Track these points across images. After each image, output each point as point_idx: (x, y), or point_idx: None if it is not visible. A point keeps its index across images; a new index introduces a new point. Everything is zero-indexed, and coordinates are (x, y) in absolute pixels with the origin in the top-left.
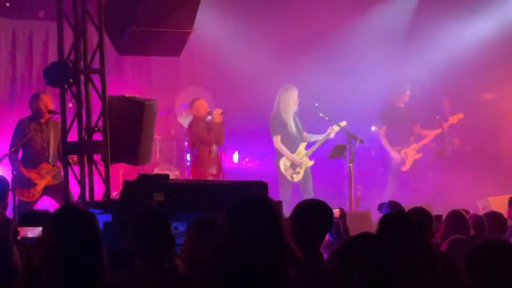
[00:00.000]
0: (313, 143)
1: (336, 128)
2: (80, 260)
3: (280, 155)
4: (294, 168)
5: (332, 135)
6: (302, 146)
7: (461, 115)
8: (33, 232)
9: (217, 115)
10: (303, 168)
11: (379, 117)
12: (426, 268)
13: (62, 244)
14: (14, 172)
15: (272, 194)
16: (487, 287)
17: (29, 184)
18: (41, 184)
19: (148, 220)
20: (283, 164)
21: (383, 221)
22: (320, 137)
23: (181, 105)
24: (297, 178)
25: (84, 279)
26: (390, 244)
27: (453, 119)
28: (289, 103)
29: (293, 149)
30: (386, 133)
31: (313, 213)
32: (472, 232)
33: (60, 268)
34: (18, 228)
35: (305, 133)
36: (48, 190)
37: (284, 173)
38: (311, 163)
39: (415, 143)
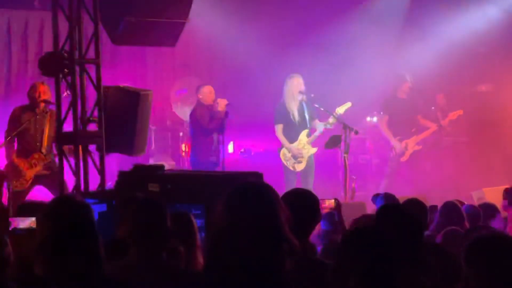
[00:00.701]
0: (314, 130)
1: (333, 119)
2: (75, 250)
3: (283, 145)
4: (295, 158)
5: (329, 126)
6: (304, 134)
7: (460, 112)
8: (24, 222)
9: (221, 105)
10: (305, 157)
11: (379, 107)
12: (421, 260)
13: (57, 234)
14: (8, 159)
15: (274, 185)
16: (488, 279)
17: (18, 171)
18: (29, 173)
19: (144, 211)
20: (284, 154)
21: (380, 213)
22: (319, 125)
23: (177, 94)
24: (299, 167)
25: (80, 270)
26: (389, 236)
27: (452, 116)
28: (293, 91)
29: (295, 139)
30: (388, 123)
31: (296, 203)
32: (466, 223)
33: (55, 258)
34: (10, 219)
35: (316, 121)
36: (40, 180)
37: (286, 163)
38: (314, 150)
39: (416, 135)
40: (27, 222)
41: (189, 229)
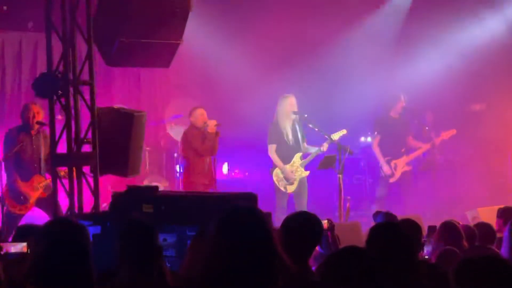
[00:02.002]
0: (308, 154)
1: (327, 144)
2: (68, 273)
3: (275, 165)
4: (287, 179)
5: (324, 149)
6: (298, 156)
7: (453, 131)
8: (16, 247)
9: (211, 126)
10: (297, 179)
11: (372, 127)
12: (414, 280)
13: (51, 256)
14: (9, 183)
15: (265, 205)
16: None
17: (22, 195)
18: (34, 197)
19: (133, 232)
20: (277, 175)
21: (373, 230)
22: (313, 150)
23: (171, 116)
24: (290, 189)
25: None
26: (376, 257)
27: (445, 135)
28: (286, 111)
29: (289, 159)
30: (379, 143)
31: (302, 226)
32: (465, 243)
33: (48, 280)
34: (1, 244)
35: (305, 144)
36: (39, 203)
37: (278, 184)
38: (306, 173)
39: (405, 156)
40: (19, 247)
41: None
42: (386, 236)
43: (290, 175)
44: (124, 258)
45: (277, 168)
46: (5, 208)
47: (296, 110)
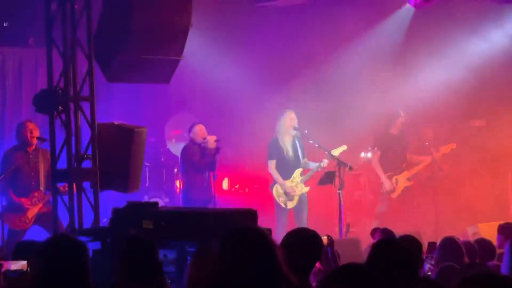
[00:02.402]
0: (309, 170)
1: (327, 159)
2: None
3: (275, 181)
4: (287, 195)
5: (324, 165)
6: (298, 172)
7: (453, 145)
8: (16, 265)
9: (211, 141)
10: (297, 195)
11: (372, 143)
12: None
13: (50, 274)
14: (4, 201)
15: (266, 221)
16: None
17: (21, 210)
18: (32, 211)
19: (133, 248)
20: (277, 190)
21: (375, 247)
22: (313, 165)
23: (171, 131)
24: (290, 205)
25: None
26: (377, 274)
27: (445, 149)
28: (286, 127)
29: (288, 175)
30: (380, 159)
31: (301, 242)
32: (466, 259)
33: None
34: (1, 261)
35: (305, 159)
36: (39, 219)
37: (278, 199)
38: (306, 189)
39: (406, 171)
40: (19, 265)
41: None
42: (387, 253)
43: (290, 191)
44: (124, 274)
45: (277, 184)
46: (5, 224)
47: (296, 125)
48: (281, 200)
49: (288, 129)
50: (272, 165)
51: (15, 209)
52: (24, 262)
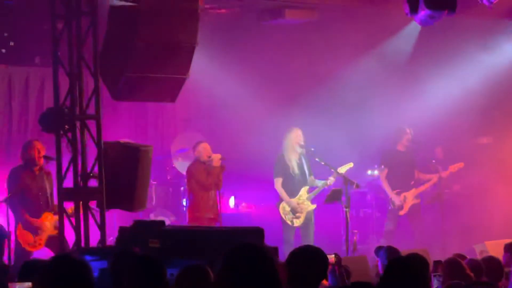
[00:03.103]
0: (315, 187)
1: (333, 177)
2: None
3: (282, 199)
4: (294, 212)
5: (330, 183)
6: (304, 189)
7: (461, 165)
8: (22, 286)
9: (216, 160)
10: (304, 213)
11: (379, 160)
12: None
13: None
14: (19, 220)
15: (272, 239)
16: None
17: (35, 231)
18: (45, 236)
19: (142, 268)
20: (283, 208)
21: (388, 267)
22: (319, 183)
23: (178, 150)
24: (297, 222)
25: None
26: None
27: (453, 168)
28: (292, 144)
29: (295, 192)
30: (387, 176)
31: (307, 260)
32: (471, 278)
33: None
34: (8, 283)
35: (311, 177)
36: (50, 241)
37: (284, 217)
38: (313, 207)
39: (414, 188)
40: (25, 286)
41: None
42: (401, 272)
43: (297, 209)
44: None
45: (283, 202)
46: (16, 245)
47: (302, 143)
48: (287, 218)
49: (294, 146)
50: (278, 182)
51: (30, 229)
52: (29, 284)
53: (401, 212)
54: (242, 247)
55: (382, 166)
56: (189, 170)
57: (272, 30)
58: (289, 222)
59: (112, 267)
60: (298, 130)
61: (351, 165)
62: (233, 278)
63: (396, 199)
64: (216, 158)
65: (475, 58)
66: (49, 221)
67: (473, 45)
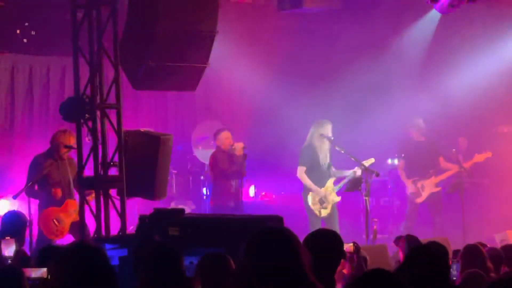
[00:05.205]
0: (341, 179)
1: (359, 168)
2: None
3: (307, 189)
4: (322, 203)
5: (358, 173)
6: (331, 181)
7: (489, 154)
8: (37, 272)
9: (238, 149)
10: (331, 203)
11: (396, 150)
12: None
13: (71, 280)
14: (42, 208)
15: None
16: None
17: (58, 223)
18: (68, 223)
19: (158, 257)
20: (311, 198)
21: (409, 255)
22: (347, 173)
23: (198, 138)
24: (324, 212)
25: None
26: (410, 281)
27: (479, 158)
28: (322, 135)
29: (321, 183)
30: (404, 166)
31: (321, 243)
32: (490, 265)
33: None
34: (23, 269)
35: (333, 169)
36: (72, 228)
37: (312, 207)
38: (338, 199)
39: (434, 176)
40: (39, 272)
41: None
42: (421, 260)
43: (326, 197)
44: (148, 281)
45: (311, 192)
46: (38, 234)
47: (331, 136)
48: (315, 208)
49: (324, 137)
50: (302, 170)
51: (52, 217)
52: (44, 270)
53: (418, 200)
54: (264, 231)
55: (402, 155)
56: (212, 159)
57: (293, 18)
58: (316, 212)
59: (134, 255)
60: (329, 123)
61: (372, 160)
62: (257, 264)
63: (411, 188)
64: (239, 147)
65: (495, 47)
66: (72, 208)
67: (493, 34)
